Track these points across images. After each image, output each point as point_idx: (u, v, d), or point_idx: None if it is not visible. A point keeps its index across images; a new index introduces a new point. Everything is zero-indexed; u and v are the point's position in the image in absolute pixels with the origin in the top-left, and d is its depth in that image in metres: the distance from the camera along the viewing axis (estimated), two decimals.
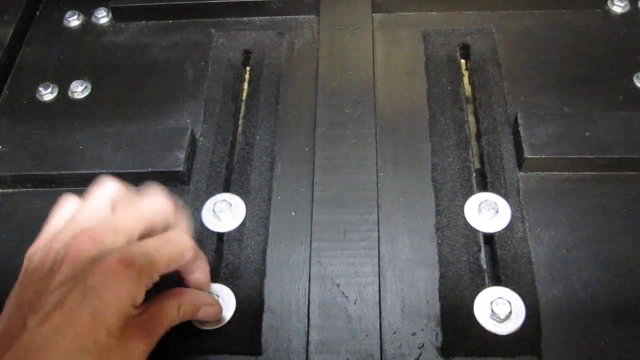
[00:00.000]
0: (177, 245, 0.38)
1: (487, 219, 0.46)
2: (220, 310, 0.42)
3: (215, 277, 0.45)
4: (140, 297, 0.35)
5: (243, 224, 0.47)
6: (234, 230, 0.47)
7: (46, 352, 0.33)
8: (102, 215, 0.38)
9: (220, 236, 0.47)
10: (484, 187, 0.49)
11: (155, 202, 0.40)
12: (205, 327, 0.42)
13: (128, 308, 0.35)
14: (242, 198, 0.48)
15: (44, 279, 0.36)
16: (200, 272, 0.41)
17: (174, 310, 0.38)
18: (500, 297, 0.42)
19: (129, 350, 0.35)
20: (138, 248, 0.36)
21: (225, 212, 0.47)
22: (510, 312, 0.41)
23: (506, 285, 0.43)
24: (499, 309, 0.41)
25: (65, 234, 0.38)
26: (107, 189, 0.40)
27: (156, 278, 0.36)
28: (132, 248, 0.36)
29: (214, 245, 0.47)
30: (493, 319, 0.42)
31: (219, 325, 0.42)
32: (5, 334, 0.35)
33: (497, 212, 0.46)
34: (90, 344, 0.34)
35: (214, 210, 0.47)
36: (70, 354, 0.33)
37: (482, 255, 0.45)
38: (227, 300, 0.43)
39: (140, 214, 0.38)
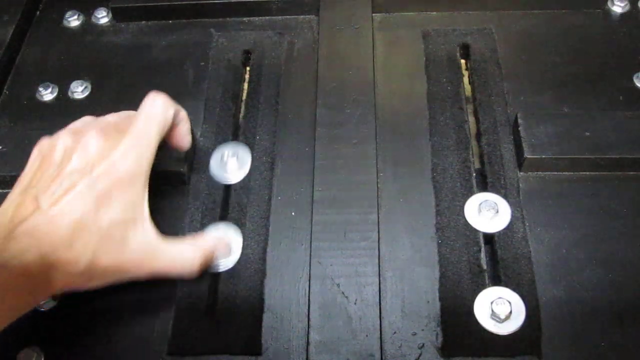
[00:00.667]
0: (158, 113, 0.43)
1: (487, 219, 0.46)
2: (230, 250, 0.46)
3: (215, 280, 0.45)
4: (142, 189, 0.41)
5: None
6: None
7: (55, 228, 0.37)
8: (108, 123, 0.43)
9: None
10: (484, 187, 0.49)
11: (153, 97, 0.44)
12: (220, 269, 0.45)
13: (132, 198, 0.40)
14: (242, 199, 0.48)
15: (55, 167, 0.40)
16: (182, 123, 0.46)
17: (187, 261, 0.42)
18: (500, 297, 0.42)
19: (127, 245, 0.40)
20: (133, 136, 0.41)
21: (232, 159, 0.50)
22: (511, 312, 0.41)
23: (506, 285, 0.43)
24: (499, 309, 0.41)
25: (76, 128, 0.43)
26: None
27: (151, 161, 0.42)
28: (129, 139, 0.41)
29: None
30: (493, 319, 0.42)
31: (230, 266, 0.45)
32: (17, 212, 0.38)
33: (497, 212, 0.46)
34: (93, 226, 0.38)
35: (222, 159, 0.50)
36: (76, 231, 0.38)
37: (482, 255, 0.45)
38: (235, 239, 0.46)
39: (142, 110, 0.44)
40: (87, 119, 0.45)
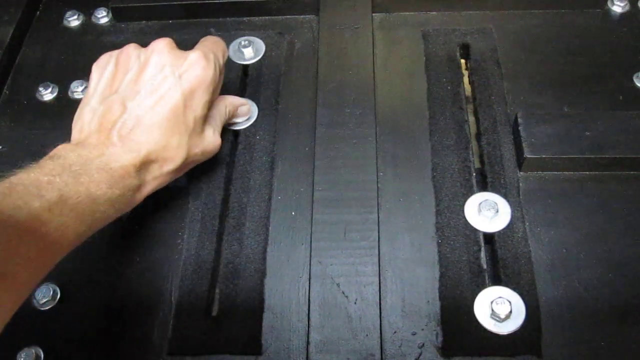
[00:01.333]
0: (221, 44, 0.48)
1: (487, 218, 0.46)
2: (249, 109, 0.53)
3: (215, 280, 0.45)
4: (216, 81, 0.45)
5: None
6: (233, 231, 0.47)
7: (149, 129, 0.40)
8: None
9: (219, 238, 0.47)
10: (484, 187, 0.49)
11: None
12: (238, 127, 0.53)
13: (209, 93, 0.44)
14: (242, 199, 0.48)
15: (132, 71, 0.43)
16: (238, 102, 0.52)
17: (224, 109, 0.49)
18: (500, 297, 0.42)
19: (204, 136, 0.45)
20: (207, 46, 0.45)
21: (248, 48, 0.57)
22: (510, 312, 0.41)
23: (506, 285, 0.43)
24: (499, 309, 0.41)
25: (140, 46, 0.45)
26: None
27: (221, 64, 0.46)
28: (203, 47, 0.45)
29: (213, 247, 0.47)
30: (493, 318, 0.42)
31: (249, 123, 0.53)
32: (105, 117, 0.40)
33: (497, 212, 0.46)
34: (182, 126, 0.42)
35: (239, 46, 0.57)
36: (168, 130, 0.41)
37: (482, 255, 0.45)
38: (252, 109, 0.53)
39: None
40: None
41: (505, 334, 0.41)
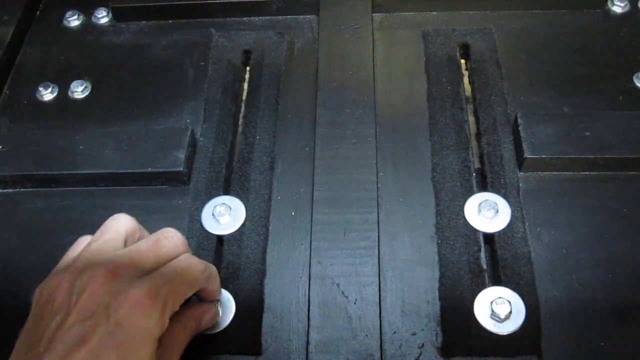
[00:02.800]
0: (193, 270, 0.37)
1: (486, 219, 0.46)
2: (218, 314, 0.41)
3: None
4: (163, 329, 0.34)
5: (243, 226, 0.47)
6: (233, 232, 0.47)
7: None
8: (117, 247, 0.37)
9: (220, 239, 0.47)
10: (484, 187, 0.49)
11: (167, 233, 0.39)
12: (205, 332, 0.42)
13: (155, 343, 0.33)
14: (242, 199, 0.48)
15: (59, 314, 0.33)
16: (211, 284, 0.39)
17: (183, 334, 0.37)
18: (500, 297, 0.42)
19: None
20: (159, 279, 0.34)
21: (225, 216, 0.47)
22: (510, 312, 0.41)
23: (506, 285, 0.43)
24: (499, 309, 0.41)
25: (79, 266, 0.35)
26: (122, 222, 0.38)
27: (177, 308, 0.35)
28: (154, 279, 0.34)
29: (213, 247, 0.46)
30: (493, 318, 0.42)
31: (217, 330, 0.42)
32: None
33: (497, 212, 0.46)
34: None
35: (213, 214, 0.47)
36: None
37: (482, 255, 0.45)
38: (226, 304, 0.43)
39: (155, 246, 0.37)
40: (81, 249, 0.38)
41: (505, 334, 0.41)
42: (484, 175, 0.49)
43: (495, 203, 0.46)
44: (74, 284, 0.34)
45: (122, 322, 0.32)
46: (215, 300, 0.42)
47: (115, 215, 0.39)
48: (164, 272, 0.35)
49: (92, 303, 0.32)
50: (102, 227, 0.38)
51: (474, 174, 0.49)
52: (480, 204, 0.46)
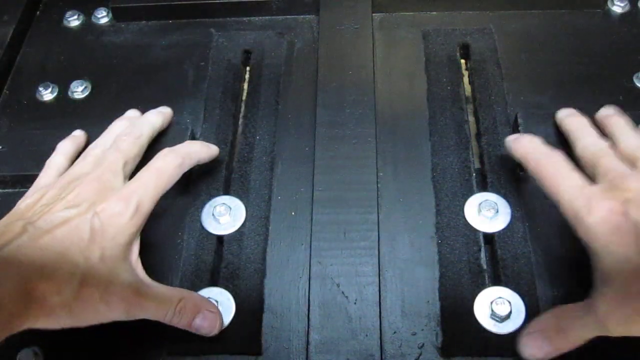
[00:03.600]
0: (167, 170, 0.44)
1: (486, 219, 0.46)
2: (221, 320, 0.41)
3: (215, 280, 0.45)
4: (136, 227, 0.40)
5: (243, 225, 0.47)
6: (233, 232, 0.47)
7: (40, 255, 0.36)
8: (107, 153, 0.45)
9: (220, 238, 0.47)
10: (484, 187, 0.49)
11: (149, 118, 0.50)
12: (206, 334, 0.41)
13: (128, 237, 0.40)
14: (242, 200, 0.48)
15: (48, 204, 0.40)
16: (191, 159, 0.47)
17: (172, 304, 0.40)
18: (500, 297, 0.42)
19: (109, 292, 0.38)
20: (134, 185, 0.41)
21: (225, 216, 0.47)
22: (510, 312, 0.41)
23: (506, 285, 0.43)
24: (499, 309, 0.41)
25: (71, 174, 0.43)
26: (113, 129, 0.49)
27: (152, 206, 0.42)
28: (130, 187, 0.41)
29: (213, 247, 0.46)
30: (493, 318, 0.42)
31: (217, 332, 0.42)
32: (3, 235, 0.37)
33: (497, 212, 0.46)
34: (81, 257, 0.37)
35: (213, 214, 0.47)
36: (62, 260, 0.36)
37: (482, 255, 0.45)
38: (227, 304, 0.43)
39: (139, 136, 0.47)
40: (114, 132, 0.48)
41: (505, 334, 0.41)
42: (484, 175, 0.49)
43: (495, 203, 0.46)
44: (69, 184, 0.42)
45: (100, 216, 0.39)
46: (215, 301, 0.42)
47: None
48: (140, 177, 0.42)
49: (78, 199, 0.40)
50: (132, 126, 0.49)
51: (474, 174, 0.49)
52: (480, 204, 0.46)
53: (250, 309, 0.43)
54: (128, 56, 0.60)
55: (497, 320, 0.42)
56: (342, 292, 0.43)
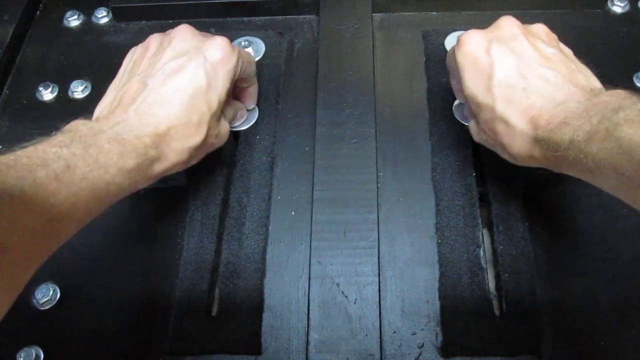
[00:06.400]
0: (251, 55, 0.48)
1: None
2: (245, 114, 0.52)
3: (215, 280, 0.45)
4: (236, 76, 0.44)
5: (243, 219, 0.47)
6: (234, 232, 0.47)
7: (169, 105, 0.39)
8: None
9: (219, 238, 0.47)
10: (483, 187, 0.49)
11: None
12: (235, 129, 0.52)
13: (231, 81, 0.44)
14: (242, 199, 0.48)
15: (155, 55, 0.43)
16: (255, 87, 0.52)
17: (232, 108, 0.49)
18: None
19: (220, 122, 0.44)
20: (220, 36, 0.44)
21: (248, 48, 0.56)
22: None
23: (506, 284, 0.43)
24: None
25: (157, 35, 0.45)
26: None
27: (243, 69, 0.45)
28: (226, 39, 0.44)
29: (213, 247, 0.46)
30: None
31: (244, 127, 0.52)
32: (126, 95, 0.40)
33: None
34: (204, 106, 0.41)
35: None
36: (190, 107, 0.40)
37: (482, 254, 0.45)
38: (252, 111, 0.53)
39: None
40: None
41: None
42: (484, 175, 0.49)
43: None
44: (165, 37, 0.44)
45: (210, 58, 0.42)
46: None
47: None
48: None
49: (184, 44, 0.42)
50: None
51: (474, 174, 0.49)
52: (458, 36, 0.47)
53: (250, 309, 0.43)
54: None
55: None
56: (342, 292, 0.43)
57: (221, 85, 0.42)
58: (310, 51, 0.58)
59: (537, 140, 0.37)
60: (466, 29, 0.58)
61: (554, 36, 0.44)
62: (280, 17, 0.62)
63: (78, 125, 0.37)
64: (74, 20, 0.64)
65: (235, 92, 0.50)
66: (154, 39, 0.45)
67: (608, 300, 0.43)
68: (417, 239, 0.46)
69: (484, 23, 0.58)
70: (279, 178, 0.50)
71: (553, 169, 0.37)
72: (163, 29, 0.61)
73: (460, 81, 0.42)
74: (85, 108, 0.56)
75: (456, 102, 0.50)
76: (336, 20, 0.58)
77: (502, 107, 0.38)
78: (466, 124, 0.47)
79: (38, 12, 0.66)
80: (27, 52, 0.62)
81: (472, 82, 0.40)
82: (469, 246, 0.45)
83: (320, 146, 0.50)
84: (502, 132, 0.39)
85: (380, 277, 0.44)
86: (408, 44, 0.58)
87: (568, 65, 0.40)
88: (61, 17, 0.64)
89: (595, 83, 0.40)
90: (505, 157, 0.41)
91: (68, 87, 0.58)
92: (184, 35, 0.43)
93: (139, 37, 0.61)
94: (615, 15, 0.59)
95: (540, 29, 0.43)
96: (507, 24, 0.43)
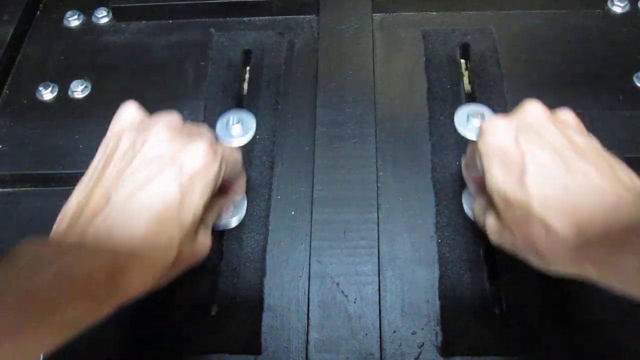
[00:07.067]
0: (236, 152, 0.41)
1: (476, 127, 0.46)
2: (231, 209, 0.46)
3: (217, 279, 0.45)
4: (217, 187, 0.37)
5: (243, 218, 0.47)
6: (234, 229, 0.47)
7: (134, 224, 0.32)
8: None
9: (220, 236, 0.47)
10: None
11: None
12: (221, 228, 0.47)
13: (209, 195, 0.36)
14: (242, 198, 0.48)
15: (125, 159, 0.35)
16: (242, 179, 0.45)
17: (216, 208, 0.42)
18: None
19: (196, 238, 0.37)
20: (205, 129, 0.38)
21: (236, 125, 0.51)
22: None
23: (506, 284, 0.43)
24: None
25: (142, 123, 0.38)
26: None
27: (226, 173, 0.38)
28: (203, 131, 0.38)
29: (213, 246, 0.46)
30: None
31: (232, 226, 0.47)
32: (86, 211, 0.33)
33: (485, 118, 0.46)
34: (175, 226, 0.34)
35: (227, 125, 0.51)
36: (156, 235, 0.33)
37: (482, 254, 0.45)
38: (240, 203, 0.48)
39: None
40: (131, 115, 0.40)
41: None
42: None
43: (483, 113, 0.47)
44: (140, 136, 0.37)
45: (186, 168, 0.35)
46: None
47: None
48: (215, 142, 0.38)
49: (158, 149, 0.35)
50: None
51: None
52: (468, 114, 0.46)
53: (250, 308, 0.43)
54: (128, 56, 0.60)
55: None
56: (342, 291, 0.43)
57: (197, 200, 0.35)
58: (310, 51, 0.58)
59: (588, 255, 0.31)
60: (466, 29, 0.58)
61: (581, 124, 0.39)
62: (280, 17, 0.62)
63: (24, 253, 0.31)
64: (74, 20, 0.64)
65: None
66: (127, 136, 0.37)
67: (608, 300, 0.42)
68: (417, 239, 0.46)
69: (484, 23, 0.59)
70: (278, 177, 0.50)
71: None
72: (163, 29, 0.62)
73: (478, 171, 0.37)
74: (85, 108, 0.57)
75: (466, 192, 0.46)
76: (336, 20, 0.58)
77: (540, 207, 0.32)
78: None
79: (38, 12, 0.66)
80: (27, 52, 0.62)
81: (500, 177, 0.35)
82: (469, 246, 0.45)
83: (320, 146, 0.50)
84: (539, 238, 0.33)
85: (380, 277, 0.44)
86: (408, 44, 0.58)
87: (606, 160, 0.34)
88: (61, 17, 0.64)
89: (637, 181, 0.34)
90: (538, 265, 0.35)
91: (68, 87, 0.58)
92: (159, 136, 0.36)
93: (139, 37, 0.62)
94: (615, 15, 0.59)
95: (568, 116, 0.39)
96: (533, 110, 0.38)
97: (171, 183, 0.34)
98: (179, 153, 0.35)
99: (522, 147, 0.35)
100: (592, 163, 0.33)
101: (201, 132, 0.39)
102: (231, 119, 0.52)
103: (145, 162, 0.35)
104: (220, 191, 0.42)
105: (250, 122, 0.52)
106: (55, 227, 0.35)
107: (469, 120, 0.46)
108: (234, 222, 0.47)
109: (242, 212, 0.48)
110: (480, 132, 0.37)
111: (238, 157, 0.41)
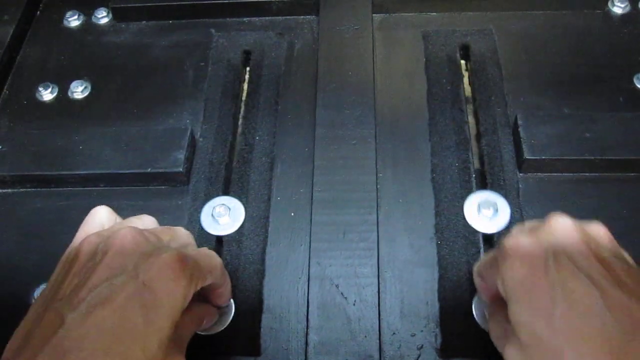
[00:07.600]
0: (214, 259, 0.36)
1: (486, 218, 0.46)
2: (215, 316, 0.41)
3: None
4: (187, 302, 0.32)
5: (242, 227, 0.47)
6: (232, 233, 0.47)
7: (89, 353, 0.28)
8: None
9: (219, 239, 0.47)
10: (483, 187, 0.49)
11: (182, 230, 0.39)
12: (203, 332, 0.42)
13: (179, 312, 0.32)
14: (242, 200, 0.48)
15: (83, 271, 0.32)
16: (225, 286, 0.39)
17: (190, 328, 0.37)
18: None
19: None
20: (186, 252, 0.33)
21: (224, 216, 0.47)
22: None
23: None
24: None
25: (107, 230, 0.35)
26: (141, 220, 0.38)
27: (199, 286, 0.34)
28: (181, 250, 0.33)
29: (212, 248, 0.46)
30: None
31: (216, 331, 0.42)
32: (37, 333, 0.29)
33: (497, 211, 0.45)
34: (138, 351, 0.29)
35: (212, 215, 0.47)
36: (116, 353, 0.29)
37: (482, 256, 0.45)
38: (226, 307, 0.43)
39: (170, 229, 0.38)
40: (103, 216, 0.37)
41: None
42: (484, 176, 0.49)
43: (495, 202, 0.46)
44: (100, 244, 0.33)
45: (151, 284, 0.30)
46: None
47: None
48: (188, 250, 0.35)
49: (120, 261, 0.31)
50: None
51: (474, 175, 0.49)
52: (479, 204, 0.46)
53: (250, 310, 0.43)
54: (128, 56, 0.60)
55: None
56: (341, 293, 0.43)
57: (164, 321, 0.31)
58: (310, 52, 0.58)
59: None
60: (466, 29, 0.58)
61: (614, 241, 0.34)
62: (280, 17, 0.62)
63: None
64: (74, 21, 0.64)
65: (201, 290, 0.36)
66: (87, 245, 0.33)
67: None
68: (417, 240, 0.46)
69: (484, 24, 0.59)
70: (278, 179, 0.50)
71: None
72: (163, 29, 0.62)
73: (495, 285, 0.33)
74: (85, 108, 0.57)
75: (477, 297, 0.43)
76: (336, 21, 0.58)
77: (574, 350, 0.28)
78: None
79: (38, 12, 0.66)
80: (27, 52, 0.62)
81: (528, 313, 0.30)
82: (469, 247, 0.45)
83: (320, 147, 0.50)
84: None
85: (380, 279, 0.44)
86: (408, 45, 0.58)
87: None
88: (61, 17, 0.64)
89: None
90: None
91: (68, 87, 0.58)
92: (122, 245, 0.32)
93: (139, 38, 0.62)
94: (615, 16, 0.59)
95: (601, 232, 0.34)
96: (563, 227, 0.32)
97: (132, 302, 0.30)
98: (142, 266, 0.31)
99: (552, 276, 0.30)
100: (633, 294, 0.29)
101: (173, 239, 0.36)
102: (216, 208, 0.47)
103: (106, 276, 0.31)
104: (201, 298, 0.39)
105: (239, 210, 0.47)
106: (4, 352, 0.30)
107: (480, 211, 0.45)
108: (218, 328, 0.42)
109: (229, 317, 0.42)
110: (504, 255, 0.32)
111: (216, 262, 0.36)
